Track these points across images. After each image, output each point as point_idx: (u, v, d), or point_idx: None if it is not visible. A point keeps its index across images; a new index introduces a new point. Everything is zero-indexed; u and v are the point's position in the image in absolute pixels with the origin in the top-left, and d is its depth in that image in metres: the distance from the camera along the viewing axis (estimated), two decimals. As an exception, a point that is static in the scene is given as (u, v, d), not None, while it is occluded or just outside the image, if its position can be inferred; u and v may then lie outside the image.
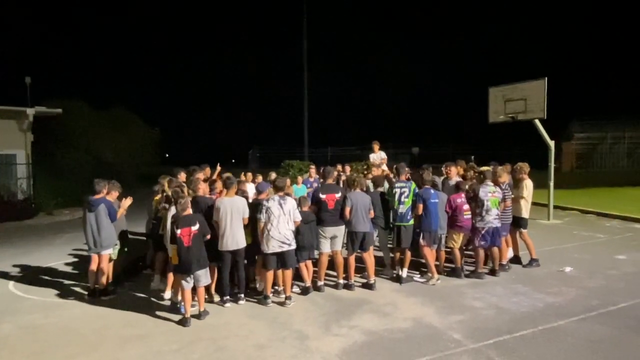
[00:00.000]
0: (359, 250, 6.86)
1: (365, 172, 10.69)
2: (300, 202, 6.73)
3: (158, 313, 5.96)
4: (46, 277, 7.87)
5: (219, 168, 8.48)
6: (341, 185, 8.06)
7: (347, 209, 6.66)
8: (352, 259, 6.87)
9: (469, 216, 7.17)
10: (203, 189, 6.60)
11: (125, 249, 7.15)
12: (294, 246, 6.19)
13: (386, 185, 7.76)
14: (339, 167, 10.73)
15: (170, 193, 6.46)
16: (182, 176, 7.48)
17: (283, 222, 6.05)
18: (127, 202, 7.00)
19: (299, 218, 6.27)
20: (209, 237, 5.85)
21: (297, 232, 6.47)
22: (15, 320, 5.91)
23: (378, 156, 11.31)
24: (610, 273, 7.43)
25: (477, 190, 7.19)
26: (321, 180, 10.37)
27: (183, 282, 5.65)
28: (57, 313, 6.12)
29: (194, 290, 5.78)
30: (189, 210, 5.74)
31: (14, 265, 8.67)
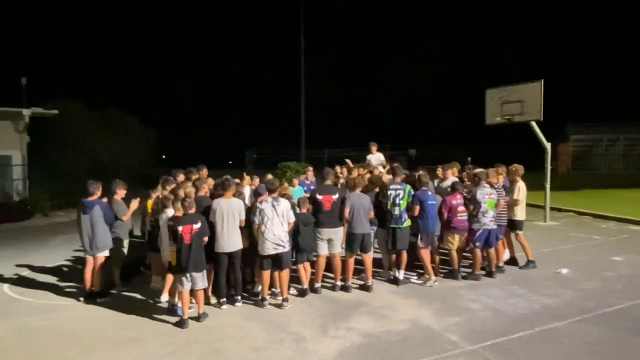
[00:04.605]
0: (359, 253, 6.86)
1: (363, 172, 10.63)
2: (299, 204, 6.71)
3: (154, 315, 5.94)
4: (42, 279, 7.82)
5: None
6: (339, 186, 8.04)
7: (347, 210, 6.65)
8: (351, 260, 6.85)
9: (464, 217, 7.18)
10: (206, 189, 6.68)
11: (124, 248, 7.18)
12: (288, 248, 6.17)
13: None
14: (338, 168, 10.70)
15: (166, 195, 6.45)
16: (181, 177, 7.45)
17: (277, 223, 6.04)
18: (135, 203, 7.02)
19: (292, 219, 6.25)
20: (206, 239, 5.84)
21: (297, 234, 6.46)
22: (10, 322, 5.86)
23: (376, 158, 11.28)
24: (606, 275, 7.45)
25: (474, 192, 7.20)
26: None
27: (180, 283, 5.63)
28: (53, 315, 6.09)
29: (192, 292, 5.77)
30: (194, 209, 5.76)
31: (10, 267, 8.60)
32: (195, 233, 5.61)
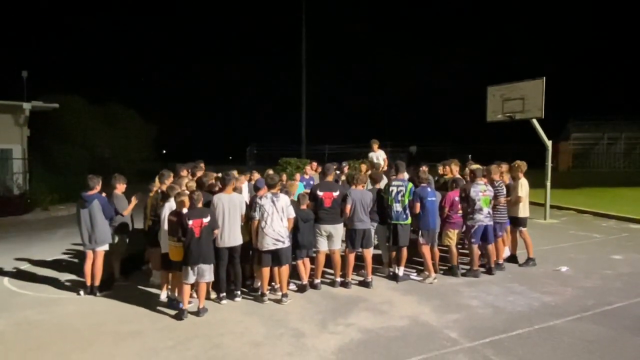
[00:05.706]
0: (360, 249, 6.86)
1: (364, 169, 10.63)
2: (299, 200, 6.70)
3: (154, 309, 5.95)
4: (41, 273, 7.83)
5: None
6: (339, 183, 8.02)
7: (348, 207, 6.64)
8: (351, 256, 6.85)
9: (461, 214, 7.21)
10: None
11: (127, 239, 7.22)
12: (288, 244, 6.17)
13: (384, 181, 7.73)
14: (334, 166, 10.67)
15: (165, 189, 6.44)
16: (184, 172, 7.44)
17: (277, 219, 6.04)
18: (135, 199, 7.05)
19: (292, 215, 6.25)
20: (217, 232, 5.88)
21: (296, 231, 6.46)
22: (10, 316, 5.88)
23: (377, 155, 11.28)
24: (606, 273, 7.45)
25: (468, 190, 7.19)
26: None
27: (186, 275, 5.64)
28: (52, 309, 6.10)
29: (193, 285, 5.78)
30: (202, 203, 5.80)
31: (9, 261, 8.62)
32: (205, 226, 5.65)
